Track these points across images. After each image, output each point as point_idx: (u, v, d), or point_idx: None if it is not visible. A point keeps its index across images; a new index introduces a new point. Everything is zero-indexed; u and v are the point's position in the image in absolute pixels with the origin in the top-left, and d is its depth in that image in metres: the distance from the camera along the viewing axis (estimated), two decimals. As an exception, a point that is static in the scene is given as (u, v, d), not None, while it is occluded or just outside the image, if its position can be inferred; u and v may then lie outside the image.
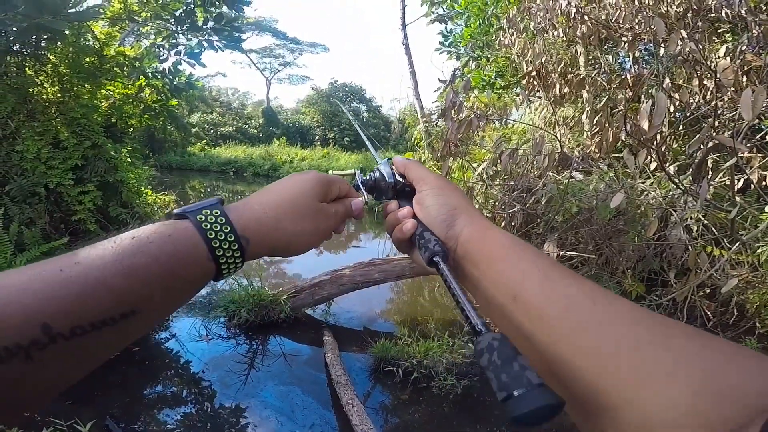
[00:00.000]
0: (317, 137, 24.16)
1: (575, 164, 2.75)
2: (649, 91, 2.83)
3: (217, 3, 4.68)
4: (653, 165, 2.35)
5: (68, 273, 0.28)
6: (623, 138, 2.59)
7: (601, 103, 2.75)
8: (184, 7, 4.71)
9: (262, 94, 33.02)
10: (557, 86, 3.11)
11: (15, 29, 3.30)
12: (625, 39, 2.93)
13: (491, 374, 0.28)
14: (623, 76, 3.12)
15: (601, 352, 0.28)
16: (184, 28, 4.79)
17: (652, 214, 2.12)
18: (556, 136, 2.82)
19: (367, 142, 0.62)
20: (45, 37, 3.64)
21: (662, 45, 2.46)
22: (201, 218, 0.34)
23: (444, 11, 8.37)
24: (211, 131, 23.00)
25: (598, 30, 3.04)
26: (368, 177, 0.53)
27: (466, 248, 0.39)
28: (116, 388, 2.89)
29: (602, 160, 2.79)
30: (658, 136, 2.17)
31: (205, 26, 4.78)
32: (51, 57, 3.89)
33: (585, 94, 3.23)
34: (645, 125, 1.70)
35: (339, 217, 0.47)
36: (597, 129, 2.82)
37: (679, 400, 0.24)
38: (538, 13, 3.33)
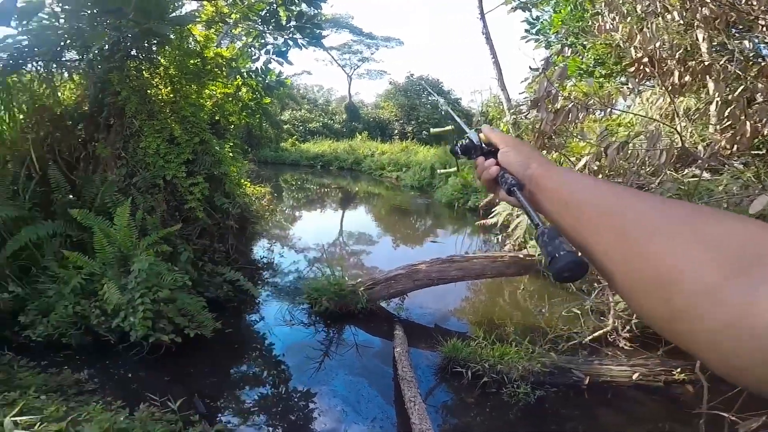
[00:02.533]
0: (396, 131, 24.39)
1: (700, 161, 2.39)
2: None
3: (296, 1, 4.86)
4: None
5: None
6: (766, 133, 2.18)
7: (735, 93, 2.34)
8: (268, 7, 4.97)
9: (344, 90, 34.16)
10: (675, 74, 2.72)
11: (130, 35, 3.66)
12: (762, 22, 2.47)
13: (543, 248, 0.44)
14: (763, 64, 2.63)
15: (620, 230, 0.37)
16: (270, 27, 5.06)
17: (801, 221, 1.75)
18: (675, 128, 2.47)
19: (458, 120, 0.81)
20: (155, 41, 3.97)
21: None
22: None
23: (526, -2, 7.91)
24: (301, 127, 24.31)
25: (725, 12, 2.62)
26: (462, 142, 0.71)
27: (536, 182, 0.52)
28: (208, 366, 3.15)
29: (736, 158, 2.38)
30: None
31: (288, 25, 5.00)
32: (162, 60, 4.25)
33: (711, 84, 2.81)
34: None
35: None
36: (729, 122, 2.41)
37: (678, 248, 0.31)
38: (646, -5, 2.96)
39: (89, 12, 3.31)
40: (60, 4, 3.35)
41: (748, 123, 2.12)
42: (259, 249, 5.89)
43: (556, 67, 2.63)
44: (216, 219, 4.31)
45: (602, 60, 5.62)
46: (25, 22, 3.11)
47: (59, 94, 4.09)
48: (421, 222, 9.61)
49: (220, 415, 2.68)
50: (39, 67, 3.85)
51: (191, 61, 4.33)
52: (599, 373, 3.14)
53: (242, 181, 5.10)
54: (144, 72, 4.13)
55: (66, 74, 4.15)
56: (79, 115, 4.07)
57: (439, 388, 3.12)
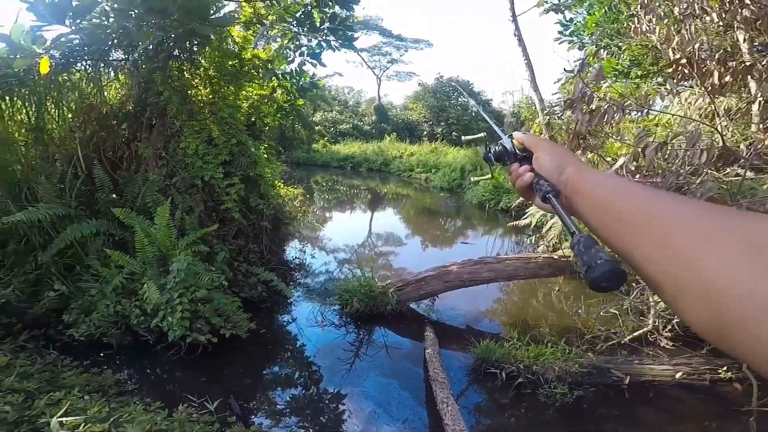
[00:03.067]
0: (425, 132, 24.31)
1: (743, 160, 2.29)
2: None
3: (330, 3, 4.91)
4: None
5: None
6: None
7: (779, 93, 2.23)
8: (303, 9, 5.02)
9: (374, 91, 34.36)
10: (715, 74, 2.65)
11: (173, 35, 3.71)
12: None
13: (579, 257, 0.43)
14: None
15: (664, 237, 0.36)
16: (305, 29, 5.11)
17: None
18: (716, 128, 2.38)
19: (492, 123, 0.79)
20: (196, 42, 4.01)
21: None
22: None
23: (559, 0, 7.80)
24: (332, 129, 24.61)
25: (766, 14, 2.53)
26: (495, 149, 0.70)
27: (572, 186, 0.52)
28: (242, 367, 3.19)
29: (779, 157, 2.28)
30: None
31: (322, 27, 5.03)
32: (202, 61, 4.29)
33: (753, 84, 2.73)
34: None
35: None
36: (772, 121, 2.30)
37: (728, 257, 0.30)
38: (683, -3, 2.89)
39: (137, 11, 3.39)
40: (110, 3, 3.43)
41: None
42: (291, 250, 6.00)
43: (592, 68, 2.59)
44: (251, 220, 4.37)
45: (638, 61, 5.49)
46: (78, 21, 3.17)
47: (105, 93, 4.18)
48: (451, 223, 9.54)
49: (253, 416, 2.71)
50: (87, 66, 3.94)
51: (230, 62, 4.38)
52: (640, 372, 3.08)
53: (276, 182, 5.16)
54: (185, 72, 4.19)
55: (112, 73, 4.24)
56: (123, 114, 4.16)
57: (471, 389, 3.10)
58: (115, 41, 3.77)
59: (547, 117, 5.16)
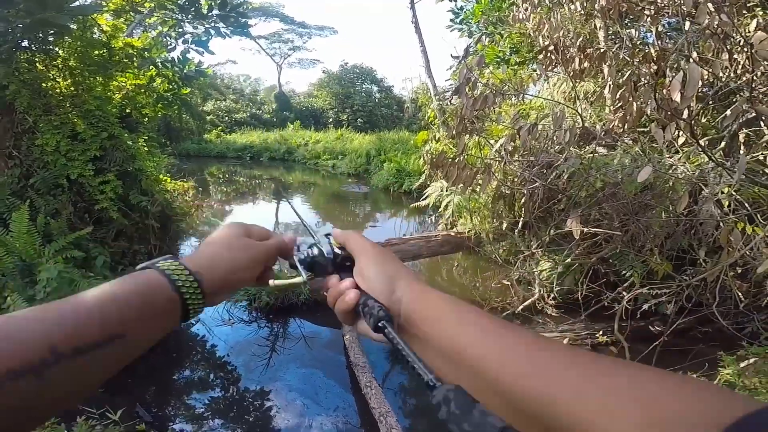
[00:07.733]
0: (330, 120, 24.10)
1: (598, 139, 2.66)
2: (675, 65, 2.70)
3: None
4: (681, 139, 2.25)
5: (71, 304, 0.34)
6: (648, 113, 2.49)
7: (624, 78, 2.63)
8: None
9: (274, 79, 32.81)
10: (576, 61, 3.01)
11: (21, 26, 3.30)
12: (647, 13, 2.79)
13: (453, 426, 0.28)
14: (647, 51, 2.99)
15: (544, 398, 0.29)
16: (189, 16, 4.77)
17: (681, 188, 2.02)
18: (576, 110, 2.73)
19: (301, 220, 0.67)
20: (51, 32, 3.62)
21: (688, 19, 2.33)
22: (160, 266, 0.41)
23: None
24: (226, 118, 23.22)
25: (617, 3, 2.93)
26: (306, 255, 0.52)
27: (408, 312, 0.41)
28: (147, 376, 2.98)
29: (626, 135, 2.70)
30: (686, 110, 2.07)
31: (210, 14, 4.77)
32: (60, 51, 3.89)
33: (606, 69, 3.14)
34: (677, 97, 1.62)
35: (271, 248, 0.52)
36: (620, 103, 2.72)
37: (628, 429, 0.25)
38: (553, -13, 3.21)
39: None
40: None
41: (634, 104, 2.40)
42: (187, 248, 5.56)
43: (476, 55, 2.77)
44: (134, 219, 4.02)
45: (517, 48, 5.97)
46: None
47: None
48: (360, 208, 9.68)
49: (171, 423, 2.56)
50: None
51: (96, 52, 3.98)
52: (534, 340, 3.42)
53: (161, 176, 4.79)
54: (38, 64, 3.75)
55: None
56: (-45, 111, 3.56)
57: (394, 370, 3.18)
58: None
59: (440, 102, 5.43)
